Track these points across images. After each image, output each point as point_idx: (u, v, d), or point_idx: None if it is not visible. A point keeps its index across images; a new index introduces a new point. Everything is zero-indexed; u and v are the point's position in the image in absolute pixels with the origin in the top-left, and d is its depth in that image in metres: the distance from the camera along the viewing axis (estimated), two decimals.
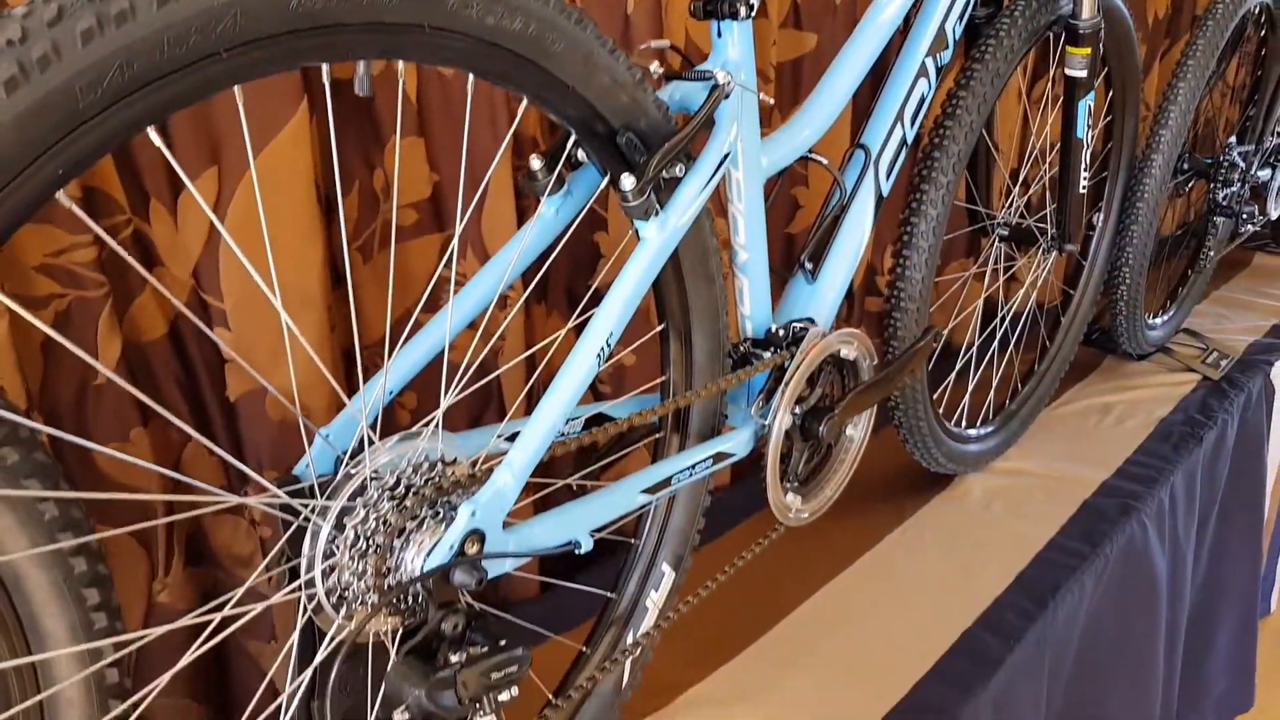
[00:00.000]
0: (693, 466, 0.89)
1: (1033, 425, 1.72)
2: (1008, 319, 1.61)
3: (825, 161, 1.04)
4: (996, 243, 1.55)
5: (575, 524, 0.78)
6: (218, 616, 0.64)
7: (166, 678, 0.64)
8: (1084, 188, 1.44)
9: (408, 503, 0.68)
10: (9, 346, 0.85)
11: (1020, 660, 1.23)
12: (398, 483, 0.69)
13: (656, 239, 0.79)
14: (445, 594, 0.68)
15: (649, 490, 0.84)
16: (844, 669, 1.19)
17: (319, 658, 0.70)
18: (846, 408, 1.05)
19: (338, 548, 0.67)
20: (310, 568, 0.66)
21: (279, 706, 0.73)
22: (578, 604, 1.04)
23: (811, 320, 1.02)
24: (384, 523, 0.67)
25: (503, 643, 0.70)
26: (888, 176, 1.11)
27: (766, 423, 0.97)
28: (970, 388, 1.59)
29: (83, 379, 0.94)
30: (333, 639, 0.70)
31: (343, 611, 0.68)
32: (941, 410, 1.49)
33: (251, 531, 1.08)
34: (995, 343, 1.61)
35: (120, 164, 0.92)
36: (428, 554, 0.68)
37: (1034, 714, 1.28)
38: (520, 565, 0.74)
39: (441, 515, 0.70)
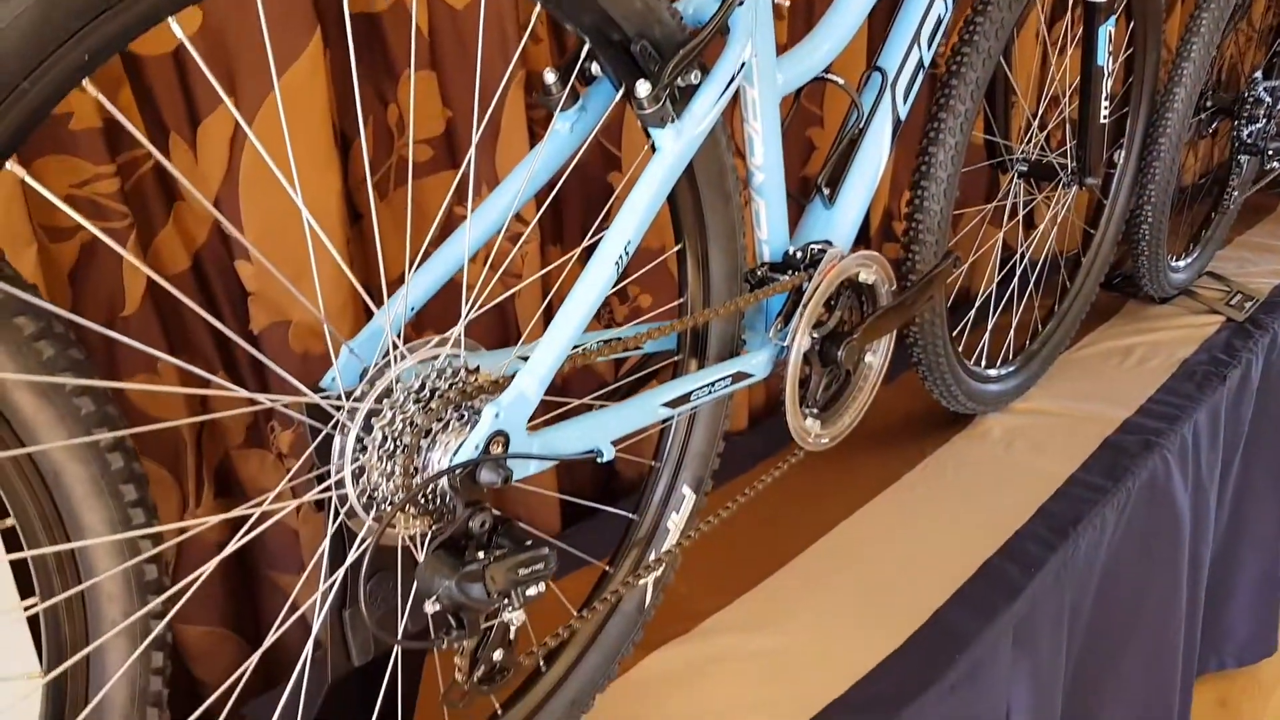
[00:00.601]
0: (712, 384, 0.89)
1: (1053, 367, 1.72)
2: (1027, 256, 1.60)
3: (842, 82, 1.04)
4: (1015, 179, 1.54)
5: (597, 433, 0.79)
6: (256, 512, 0.65)
7: (208, 568, 0.66)
8: (1105, 119, 1.42)
9: (433, 405, 0.69)
10: (37, 278, 0.87)
11: (1040, 589, 1.23)
12: (423, 386, 0.70)
13: (672, 148, 0.79)
14: (472, 492, 0.69)
15: (669, 404, 0.85)
16: (865, 596, 1.20)
17: (350, 559, 0.71)
18: (865, 332, 1.05)
19: (365, 449, 0.68)
20: (340, 468, 0.68)
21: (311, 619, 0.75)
22: (601, 537, 1.06)
23: (829, 243, 1.02)
24: (411, 424, 0.68)
25: (528, 543, 0.72)
26: (905, 100, 1.10)
27: (785, 345, 0.98)
28: (990, 327, 1.58)
29: (110, 311, 0.95)
30: (363, 541, 0.71)
31: (372, 513, 0.70)
32: (961, 349, 1.49)
33: (279, 465, 1.09)
34: (1015, 281, 1.61)
35: (140, 96, 0.93)
36: (454, 454, 0.69)
37: (1054, 644, 1.29)
38: (544, 469, 0.75)
39: (466, 419, 0.71)
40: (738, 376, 0.93)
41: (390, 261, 1.08)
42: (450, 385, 0.71)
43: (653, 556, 0.96)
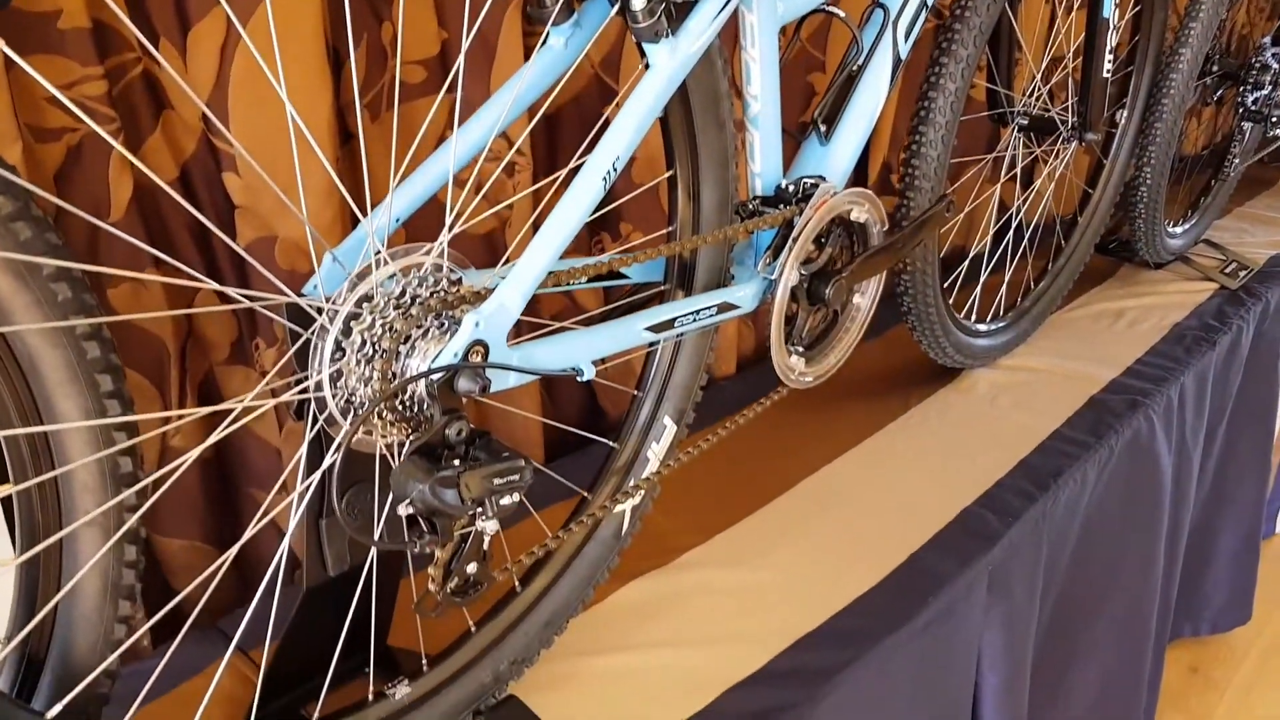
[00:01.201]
0: (697, 312, 0.89)
1: (1044, 326, 1.72)
2: (1022, 212, 1.60)
3: (843, 15, 1.03)
4: (1016, 132, 1.53)
5: (579, 351, 0.79)
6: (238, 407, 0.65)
7: (186, 460, 0.66)
8: (1108, 74, 1.41)
9: (414, 312, 0.69)
10: (24, 175, 0.86)
11: (1018, 538, 1.24)
12: (404, 293, 0.70)
13: (666, 65, 0.79)
14: (450, 400, 0.69)
15: (652, 329, 0.84)
16: (843, 538, 1.21)
17: (325, 462, 0.71)
18: (855, 271, 1.05)
19: (344, 354, 0.68)
20: (318, 371, 0.68)
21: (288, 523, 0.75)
22: (586, 470, 1.06)
23: (822, 178, 1.01)
24: (390, 329, 0.68)
25: (505, 455, 0.72)
26: (906, 38, 1.09)
27: (773, 279, 0.98)
28: (982, 282, 1.58)
29: (96, 215, 0.94)
30: (340, 444, 0.71)
31: (349, 418, 0.70)
32: (952, 302, 1.49)
33: (261, 381, 1.09)
34: (1009, 236, 1.60)
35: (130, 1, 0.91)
36: (433, 360, 0.69)
37: (1029, 593, 1.30)
38: (523, 383, 0.75)
39: (446, 328, 0.71)
40: (723, 307, 0.93)
41: (379, 181, 1.07)
42: (432, 293, 0.71)
43: (631, 484, 0.96)
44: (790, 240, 0.97)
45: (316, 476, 0.71)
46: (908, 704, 1.11)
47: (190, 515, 1.08)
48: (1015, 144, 1.55)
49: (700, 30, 0.80)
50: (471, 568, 0.79)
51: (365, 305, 0.68)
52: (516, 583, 0.94)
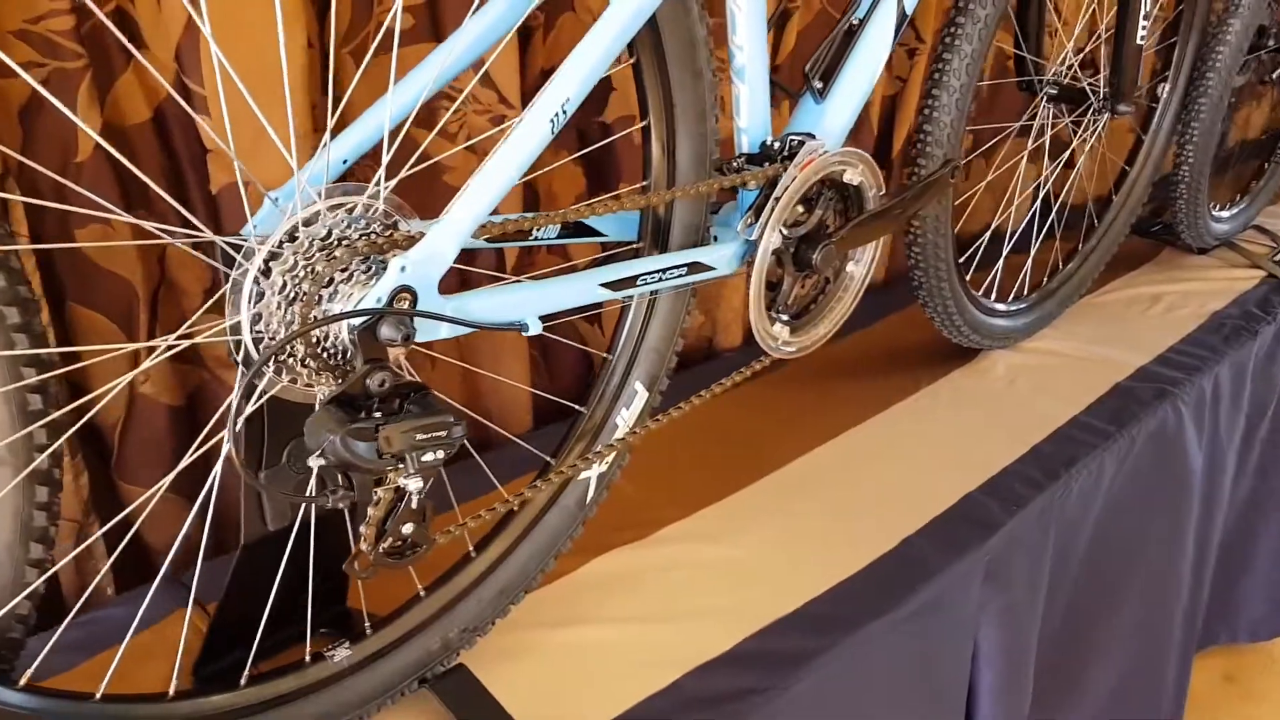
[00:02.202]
0: (663, 271, 0.85)
1: (1073, 309, 1.64)
2: (1048, 185, 1.52)
3: None
4: (1045, 102, 1.45)
5: (524, 305, 0.75)
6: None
7: (109, 395, 0.63)
8: (1142, 40, 1.33)
9: (338, 254, 0.66)
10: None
11: (1021, 528, 1.18)
12: (330, 234, 0.66)
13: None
14: (372, 349, 0.65)
15: (610, 285, 0.80)
16: (832, 519, 1.16)
17: (250, 406, 0.68)
18: (846, 237, 1.00)
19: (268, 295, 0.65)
20: (239, 312, 0.65)
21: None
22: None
23: (812, 136, 0.96)
24: (311, 271, 0.65)
25: (436, 410, 0.68)
26: None
27: (752, 239, 0.93)
28: (1003, 258, 1.51)
29: (63, 154, 0.93)
30: (264, 391, 0.68)
31: (273, 363, 0.67)
32: (969, 277, 1.42)
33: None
34: (1034, 211, 1.53)
35: None
36: (356, 305, 0.66)
37: (1032, 586, 1.23)
38: (459, 334, 0.71)
39: (373, 273, 0.67)
40: (695, 267, 0.88)
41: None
42: (360, 236, 0.67)
43: (596, 450, 0.93)
44: (772, 200, 0.92)
45: (239, 424, 0.68)
46: (888, 698, 1.06)
47: (158, 464, 1.06)
48: (1045, 114, 1.47)
49: None
50: (408, 529, 0.75)
51: (288, 246, 0.65)
52: (471, 548, 0.91)
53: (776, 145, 0.94)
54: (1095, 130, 1.46)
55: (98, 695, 0.70)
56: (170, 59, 0.95)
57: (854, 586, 1.06)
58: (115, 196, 0.96)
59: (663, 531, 1.14)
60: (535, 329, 0.75)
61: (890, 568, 1.09)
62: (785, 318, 1.00)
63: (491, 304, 0.72)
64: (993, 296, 1.49)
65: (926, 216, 1.27)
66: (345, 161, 0.76)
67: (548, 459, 0.93)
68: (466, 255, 0.74)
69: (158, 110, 0.97)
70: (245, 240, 0.65)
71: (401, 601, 0.88)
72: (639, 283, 0.83)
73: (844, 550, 1.10)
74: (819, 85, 1.01)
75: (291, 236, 0.65)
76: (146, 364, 0.66)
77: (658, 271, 0.84)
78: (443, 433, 0.67)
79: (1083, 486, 1.28)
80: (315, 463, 0.63)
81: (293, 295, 0.65)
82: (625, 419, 0.95)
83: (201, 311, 0.67)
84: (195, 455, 0.71)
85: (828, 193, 1.00)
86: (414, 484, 0.67)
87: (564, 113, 0.72)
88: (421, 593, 0.88)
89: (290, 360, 0.67)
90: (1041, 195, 1.52)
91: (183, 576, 1.05)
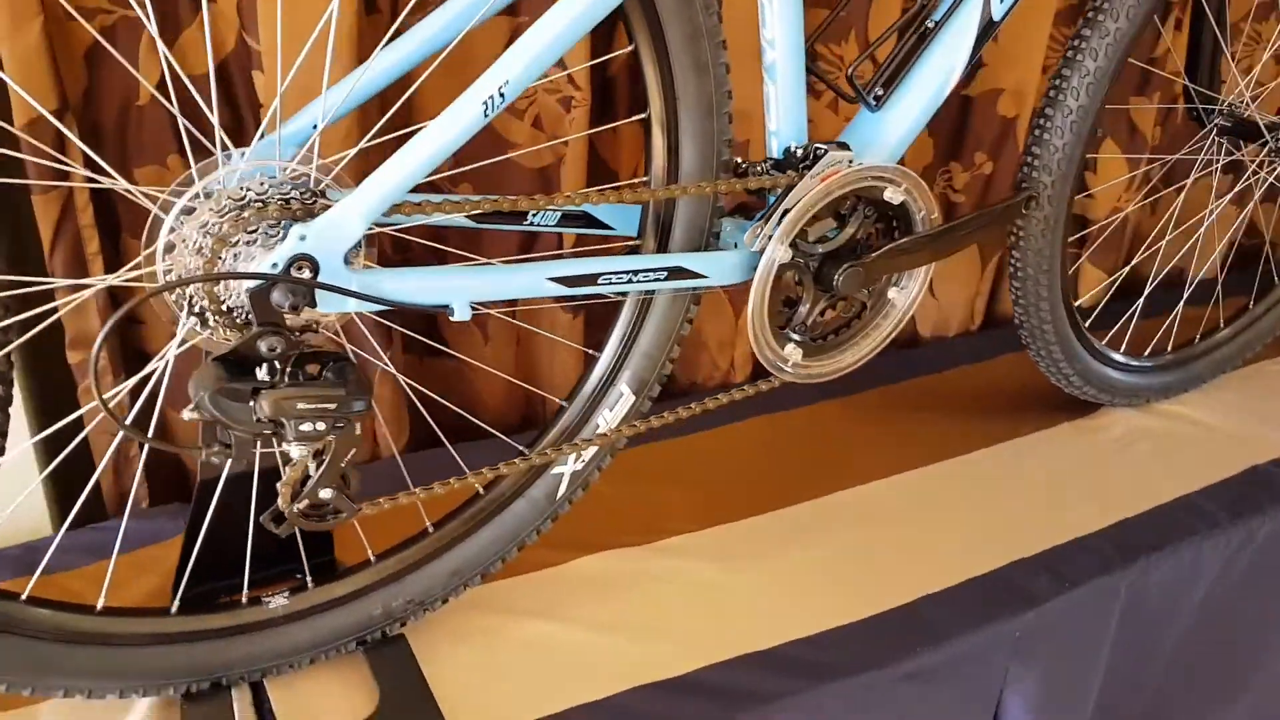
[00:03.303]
0: (634, 273, 0.80)
1: (1231, 375, 1.43)
2: (1205, 224, 1.32)
3: None
4: (1214, 135, 1.26)
5: (454, 288, 0.73)
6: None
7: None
8: None
9: (245, 215, 0.66)
10: (43, 50, 0.91)
11: (1069, 610, 1.05)
12: (244, 195, 0.67)
13: None
14: (265, 312, 0.66)
15: (561, 281, 0.77)
16: (850, 562, 1.07)
17: (173, 352, 0.71)
18: (878, 260, 0.91)
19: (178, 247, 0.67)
20: (152, 261, 0.67)
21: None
22: None
23: (845, 146, 0.88)
24: (219, 228, 0.66)
25: (337, 382, 0.68)
26: None
27: (753, 250, 0.86)
28: (1139, 305, 1.33)
29: (125, 98, 0.99)
30: (184, 340, 0.71)
31: (184, 311, 0.69)
32: (1090, 322, 1.27)
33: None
34: (1194, 257, 1.34)
35: None
36: (257, 268, 0.67)
37: (1078, 678, 1.10)
38: (379, 311, 0.71)
39: (281, 237, 0.68)
40: (679, 273, 0.83)
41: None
42: (274, 199, 0.68)
43: (565, 444, 0.90)
44: (779, 211, 0.85)
45: (154, 373, 0.71)
46: None
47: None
48: (1215, 149, 1.28)
49: None
50: (326, 493, 0.76)
51: (204, 203, 0.67)
52: (429, 523, 0.91)
53: (799, 153, 0.87)
54: (1273, 173, 1.26)
55: (23, 596, 0.75)
56: (234, 12, 1.00)
57: (843, 636, 0.98)
58: (172, 143, 1.01)
59: (667, 541, 1.09)
60: (463, 315, 0.73)
61: (893, 624, 1.00)
62: (801, 339, 0.93)
63: (413, 284, 0.71)
64: (1122, 347, 1.33)
65: (1028, 250, 1.14)
66: (315, 126, 0.77)
67: (522, 449, 0.92)
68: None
69: (223, 63, 1.02)
70: (154, 191, 0.67)
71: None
72: (600, 282, 0.79)
73: (847, 596, 1.02)
74: (879, 92, 0.92)
75: (208, 192, 0.67)
76: (76, 299, 0.69)
77: (626, 273, 0.80)
78: (329, 405, 0.67)
79: (1169, 577, 1.12)
80: (188, 415, 0.65)
81: (198, 249, 0.67)
82: (607, 419, 0.92)
83: (142, 257, 0.69)
84: (122, 390, 0.75)
85: (865, 210, 0.91)
86: (295, 450, 0.67)
87: (500, 96, 0.69)
88: (371, 558, 0.89)
89: (204, 314, 0.69)
90: (1196, 238, 1.33)
91: None
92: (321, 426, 0.67)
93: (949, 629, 0.99)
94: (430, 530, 0.91)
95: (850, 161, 0.87)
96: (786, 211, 0.85)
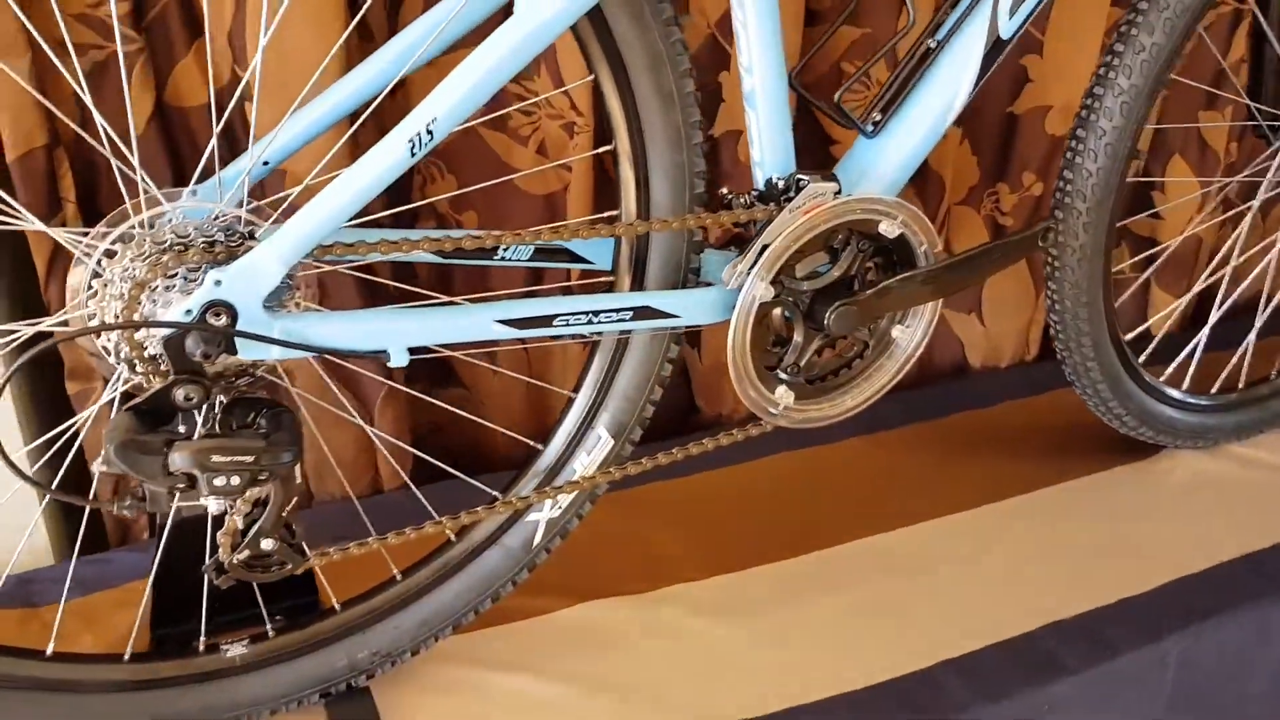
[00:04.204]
0: (595, 314, 0.75)
1: None
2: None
3: None
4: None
5: (389, 332, 0.69)
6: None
7: None
8: None
9: (164, 259, 0.64)
10: (31, 86, 0.91)
11: (1104, 683, 0.95)
12: (164, 238, 0.65)
13: (533, 9, 0.66)
14: (181, 361, 0.63)
15: (510, 323, 0.72)
16: (859, 620, 1.00)
17: (105, 397, 0.69)
18: (873, 298, 0.84)
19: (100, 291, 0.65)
20: (72, 306, 0.65)
21: None
22: None
23: (834, 178, 0.81)
24: (136, 273, 0.64)
25: (268, 434, 0.66)
26: (1014, 10, 0.84)
27: (728, 287, 0.81)
28: (1202, 337, 1.22)
29: (117, 131, 0.99)
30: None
31: (112, 359, 0.67)
32: (1144, 357, 1.16)
33: None
34: (1267, 283, 1.22)
35: None
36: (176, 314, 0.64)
37: None
38: (300, 358, 0.68)
39: (200, 282, 0.65)
40: (646, 313, 0.78)
41: None
42: (194, 243, 0.65)
43: (537, 490, 0.86)
44: (757, 247, 0.79)
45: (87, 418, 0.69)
46: None
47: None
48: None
49: None
50: (267, 544, 0.74)
51: (122, 245, 0.65)
52: (396, 571, 0.87)
53: (780, 184, 0.81)
54: None
55: None
56: (225, 44, 0.99)
57: (851, 703, 0.90)
58: (167, 175, 1.01)
59: (669, 590, 1.03)
60: (400, 360, 0.69)
61: (906, 692, 0.92)
62: (793, 380, 0.87)
63: (342, 328, 0.68)
64: (1184, 383, 1.21)
65: (1064, 281, 1.05)
66: (266, 164, 0.75)
67: (496, 495, 0.87)
68: None
69: (218, 94, 1.01)
70: (75, 233, 0.65)
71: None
72: (556, 324, 0.74)
73: (859, 657, 0.95)
74: (876, 118, 0.86)
75: (128, 236, 0.65)
76: (13, 339, 0.68)
77: (585, 314, 0.75)
78: (249, 458, 0.64)
79: (1228, 646, 1.01)
80: (96, 468, 0.63)
81: (119, 294, 0.65)
82: (584, 464, 0.87)
83: (71, 305, 0.68)
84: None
85: (860, 244, 0.84)
86: (213, 505, 0.65)
87: (429, 135, 0.65)
88: (336, 606, 0.86)
89: (131, 361, 0.67)
90: (1268, 263, 1.21)
91: None
92: (237, 481, 0.64)
93: (968, 700, 0.91)
94: (398, 578, 0.88)
95: (837, 193, 0.80)
96: (765, 247, 0.79)
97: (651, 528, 1.12)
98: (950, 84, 0.85)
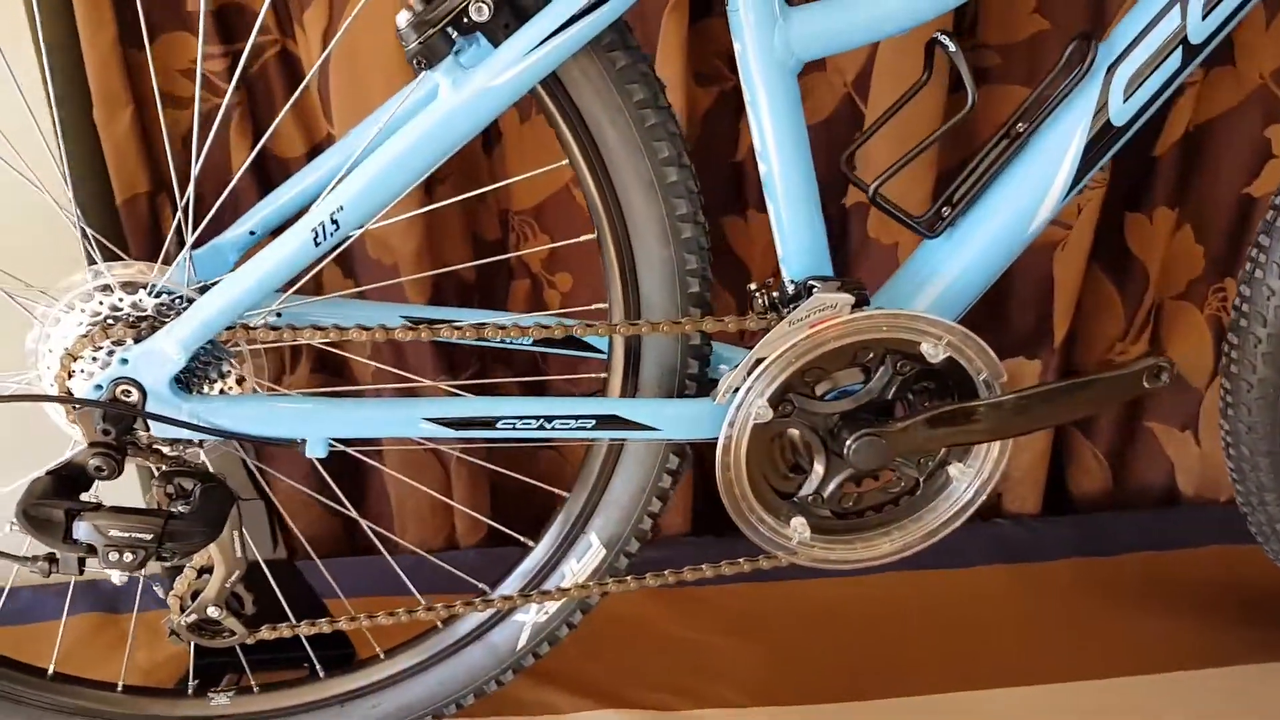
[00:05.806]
0: (549, 419, 0.67)
1: None
2: None
3: (953, 48, 0.66)
4: None
5: (308, 421, 0.65)
6: None
7: None
8: None
9: (89, 332, 0.65)
10: (132, 137, 0.97)
11: None
12: (98, 310, 0.66)
13: (448, 100, 0.60)
14: (91, 431, 0.64)
15: (442, 422, 0.66)
16: None
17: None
18: (905, 432, 0.69)
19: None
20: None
21: None
22: None
23: (857, 286, 0.67)
24: (67, 343, 0.65)
25: (180, 510, 0.65)
26: (1129, 94, 0.66)
27: (716, 403, 0.69)
28: None
29: (218, 178, 1.03)
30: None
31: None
32: None
33: None
34: None
35: None
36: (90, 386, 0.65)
37: None
38: (216, 440, 0.66)
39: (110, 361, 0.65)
40: (613, 422, 0.69)
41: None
42: (121, 318, 0.65)
43: (522, 592, 0.79)
44: (751, 360, 0.68)
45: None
46: None
47: None
48: None
49: (513, 60, 0.59)
50: (214, 611, 0.74)
51: (66, 314, 0.66)
52: (380, 650, 0.85)
53: (791, 289, 0.69)
54: None
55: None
56: (318, 97, 1.00)
57: None
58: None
59: (697, 713, 0.93)
60: (318, 451, 0.66)
61: None
62: (812, 511, 0.74)
63: (252, 413, 0.65)
64: None
65: (1239, 422, 0.82)
66: (253, 234, 0.74)
67: (484, 588, 0.82)
68: None
69: (315, 147, 1.03)
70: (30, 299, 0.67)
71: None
72: (500, 426, 0.67)
73: None
74: (945, 212, 0.71)
75: (71, 305, 0.66)
76: None
77: (536, 418, 0.67)
78: (145, 534, 0.63)
79: None
80: (3, 529, 0.65)
81: (58, 361, 0.66)
82: (574, 571, 0.79)
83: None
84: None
85: (899, 365, 0.70)
86: (116, 576, 0.65)
87: (334, 224, 0.61)
88: (320, 673, 0.85)
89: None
90: None
91: None
92: (130, 558, 0.63)
93: None
94: (381, 657, 0.85)
95: (854, 306, 0.67)
96: (760, 362, 0.67)
97: (709, 632, 1.01)
98: (1037, 179, 0.68)
